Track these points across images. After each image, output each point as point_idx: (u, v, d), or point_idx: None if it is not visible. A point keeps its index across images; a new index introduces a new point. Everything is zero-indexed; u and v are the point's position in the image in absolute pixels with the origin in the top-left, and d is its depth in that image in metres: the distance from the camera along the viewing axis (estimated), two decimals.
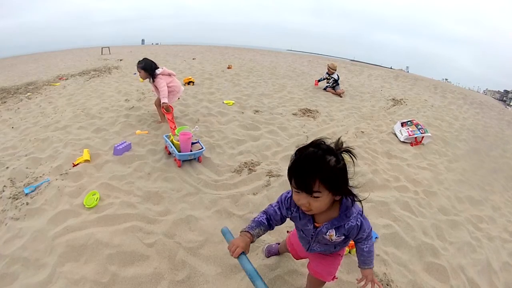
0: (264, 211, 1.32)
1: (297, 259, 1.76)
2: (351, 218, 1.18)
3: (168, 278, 1.82)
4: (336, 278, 1.54)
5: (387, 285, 1.94)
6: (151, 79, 3.95)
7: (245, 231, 1.23)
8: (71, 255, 1.92)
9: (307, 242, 1.35)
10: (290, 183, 1.10)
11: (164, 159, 3.25)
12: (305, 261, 1.64)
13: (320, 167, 1.01)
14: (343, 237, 1.23)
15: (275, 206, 1.31)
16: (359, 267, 1.39)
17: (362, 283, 1.35)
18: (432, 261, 2.21)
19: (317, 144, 1.07)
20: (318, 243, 1.31)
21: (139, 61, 3.97)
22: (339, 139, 1.09)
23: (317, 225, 1.22)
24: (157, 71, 3.92)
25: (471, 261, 2.34)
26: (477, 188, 3.69)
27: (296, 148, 1.11)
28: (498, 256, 2.49)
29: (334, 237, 1.21)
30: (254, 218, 1.30)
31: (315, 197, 1.04)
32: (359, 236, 1.25)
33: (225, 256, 2.01)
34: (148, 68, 3.90)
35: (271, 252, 2.01)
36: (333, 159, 1.02)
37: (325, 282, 1.56)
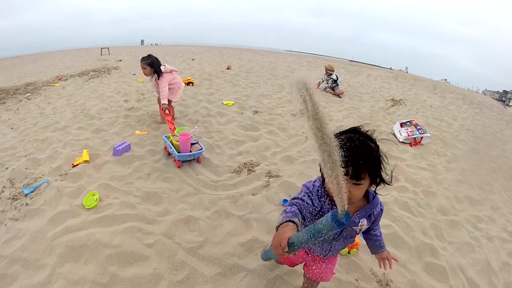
0: (291, 203, 1.11)
1: (292, 267, 1.73)
2: (378, 204, 1.20)
3: (168, 279, 1.82)
4: (334, 273, 1.55)
5: (386, 285, 1.94)
6: (156, 77, 3.92)
7: (285, 222, 0.96)
8: (70, 256, 1.92)
9: (328, 243, 1.28)
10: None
11: (164, 160, 3.25)
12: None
13: (366, 152, 0.99)
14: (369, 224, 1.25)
15: (304, 196, 1.13)
16: (375, 253, 1.41)
17: (384, 265, 1.39)
18: (432, 261, 2.21)
19: (356, 130, 1.06)
20: (343, 239, 1.25)
21: (143, 57, 3.88)
22: (368, 130, 1.09)
23: None
24: (162, 69, 3.93)
25: (471, 261, 2.34)
26: (476, 188, 3.69)
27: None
28: (497, 256, 2.50)
29: (365, 226, 1.20)
30: (285, 210, 1.05)
31: (358, 184, 1.01)
32: (378, 221, 1.28)
33: (224, 256, 2.01)
34: (155, 65, 3.87)
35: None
36: (373, 145, 1.03)
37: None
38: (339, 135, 1.06)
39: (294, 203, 1.10)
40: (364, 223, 1.19)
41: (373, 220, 1.23)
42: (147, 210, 2.43)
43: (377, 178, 1.06)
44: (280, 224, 0.96)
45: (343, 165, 0.96)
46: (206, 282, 1.83)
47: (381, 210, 1.23)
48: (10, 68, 12.40)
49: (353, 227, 1.19)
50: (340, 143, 1.01)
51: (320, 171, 1.12)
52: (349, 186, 1.00)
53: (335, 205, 1.11)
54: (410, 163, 3.96)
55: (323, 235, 0.82)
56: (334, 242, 1.27)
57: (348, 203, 1.06)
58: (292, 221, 0.95)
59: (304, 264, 1.55)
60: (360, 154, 0.98)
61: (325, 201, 1.13)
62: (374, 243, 1.38)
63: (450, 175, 3.86)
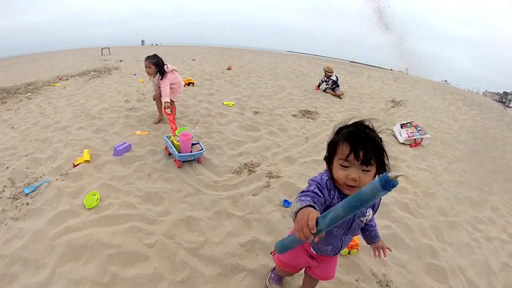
0: (304, 194, 1.05)
1: (297, 272, 1.74)
2: None
3: (168, 279, 1.82)
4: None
5: (387, 285, 1.94)
6: (159, 77, 3.95)
7: (304, 207, 0.89)
8: (71, 256, 1.92)
9: (338, 240, 1.27)
10: (336, 158, 1.10)
11: (164, 160, 3.25)
12: None
13: (375, 140, 1.05)
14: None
15: (314, 189, 1.09)
16: (372, 243, 1.43)
17: (379, 254, 1.41)
18: (431, 262, 2.22)
19: (362, 123, 1.12)
20: (352, 232, 1.26)
21: (149, 56, 3.92)
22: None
23: None
24: (165, 68, 3.96)
25: (470, 262, 2.35)
26: (476, 189, 3.70)
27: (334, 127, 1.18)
28: (497, 257, 2.50)
29: (370, 216, 1.24)
30: (300, 199, 0.98)
31: (367, 170, 1.05)
32: (377, 211, 1.30)
33: (225, 256, 2.01)
34: (161, 64, 3.92)
35: (277, 280, 1.84)
36: (378, 136, 1.09)
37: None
38: (347, 126, 1.14)
39: (307, 194, 1.05)
40: (370, 213, 1.23)
41: (376, 209, 1.27)
42: (148, 210, 2.43)
43: (381, 167, 1.10)
44: (299, 209, 0.89)
45: (355, 151, 1.02)
46: (206, 282, 1.83)
47: (380, 199, 1.25)
48: (11, 67, 12.40)
49: (361, 218, 1.21)
50: (349, 132, 1.07)
51: (327, 164, 1.17)
52: (359, 173, 1.06)
53: (344, 195, 1.13)
54: (410, 164, 3.96)
55: (364, 204, 0.76)
56: (344, 237, 1.27)
57: (357, 191, 1.11)
58: (313, 206, 0.89)
59: (307, 266, 1.56)
60: (369, 140, 1.04)
61: (335, 194, 1.14)
62: (370, 233, 1.41)
63: (450, 176, 3.87)
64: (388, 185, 0.72)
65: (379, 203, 1.28)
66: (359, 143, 1.03)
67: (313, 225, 0.77)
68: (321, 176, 1.18)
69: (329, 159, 1.17)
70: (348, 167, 1.07)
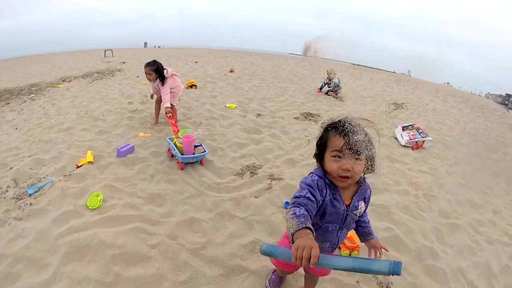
0: (298, 204, 1.07)
1: (296, 270, 1.75)
2: (368, 186, 1.28)
3: (171, 279, 1.84)
4: None
5: (387, 287, 1.95)
6: (159, 82, 3.99)
7: (302, 228, 0.92)
8: (74, 255, 1.94)
9: (334, 235, 1.27)
10: (328, 151, 1.14)
11: (167, 162, 3.28)
12: None
13: (363, 131, 1.09)
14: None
15: (306, 194, 1.11)
16: (365, 240, 1.43)
17: (375, 254, 1.41)
18: (432, 264, 2.22)
19: (348, 118, 1.15)
20: (347, 226, 1.28)
21: (149, 63, 3.96)
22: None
23: (347, 202, 1.21)
24: (164, 73, 3.99)
25: (471, 264, 2.35)
26: (477, 192, 3.69)
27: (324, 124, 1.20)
28: (498, 260, 2.50)
29: (363, 209, 1.26)
30: (295, 213, 1.00)
31: (359, 160, 1.09)
32: (368, 204, 1.32)
33: (227, 257, 2.03)
34: (161, 70, 3.96)
35: (277, 282, 1.86)
36: (364, 129, 1.12)
37: None
38: (334, 122, 1.16)
39: (300, 202, 1.08)
40: (362, 205, 1.25)
41: (367, 202, 1.30)
42: (151, 211, 2.45)
43: (370, 158, 1.14)
44: (297, 231, 0.92)
45: (346, 141, 1.06)
46: (208, 283, 1.85)
47: (370, 191, 1.31)
48: (14, 68, 12.46)
49: (354, 211, 1.23)
50: (339, 125, 1.11)
51: (317, 161, 1.22)
52: (352, 162, 1.09)
53: (335, 191, 1.17)
54: (412, 167, 3.97)
55: (365, 273, 0.84)
56: (340, 232, 1.28)
57: (350, 182, 1.15)
58: (310, 228, 0.93)
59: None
60: (357, 130, 1.08)
61: (327, 192, 1.17)
62: (363, 230, 1.41)
63: (452, 179, 3.87)
64: (397, 273, 0.80)
65: (369, 196, 1.30)
66: (350, 133, 1.07)
67: (315, 263, 0.82)
68: (312, 176, 1.21)
69: (319, 155, 1.20)
70: (340, 158, 1.11)
